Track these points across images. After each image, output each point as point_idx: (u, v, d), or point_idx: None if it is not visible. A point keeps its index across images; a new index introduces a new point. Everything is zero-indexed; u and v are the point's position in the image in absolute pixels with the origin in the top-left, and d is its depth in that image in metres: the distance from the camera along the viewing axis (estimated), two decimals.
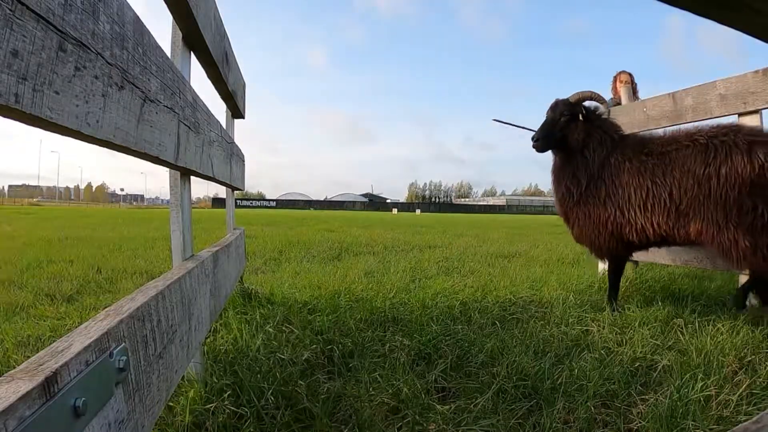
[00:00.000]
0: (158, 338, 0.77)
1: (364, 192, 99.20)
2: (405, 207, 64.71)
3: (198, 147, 1.18)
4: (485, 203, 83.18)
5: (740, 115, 2.13)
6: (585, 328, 1.90)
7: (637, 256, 2.83)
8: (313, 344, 1.57)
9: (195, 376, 1.23)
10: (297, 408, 1.14)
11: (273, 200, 67.29)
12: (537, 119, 2.33)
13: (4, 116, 0.43)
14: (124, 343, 0.62)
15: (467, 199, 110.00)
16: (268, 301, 2.19)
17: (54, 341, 0.54)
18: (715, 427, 1.10)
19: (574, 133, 2.17)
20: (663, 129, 2.30)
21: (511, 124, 2.84)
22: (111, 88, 0.60)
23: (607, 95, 4.21)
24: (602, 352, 1.60)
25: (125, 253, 4.13)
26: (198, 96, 1.19)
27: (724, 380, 1.32)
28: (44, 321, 1.89)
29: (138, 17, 0.71)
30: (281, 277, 3.05)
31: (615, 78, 4.08)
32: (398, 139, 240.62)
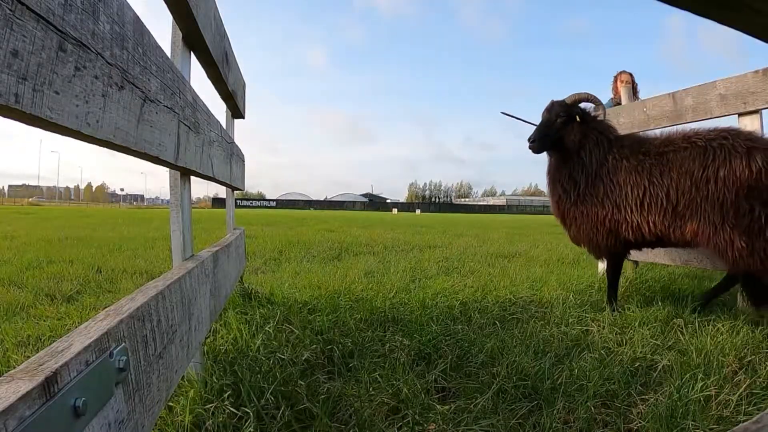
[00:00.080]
0: (158, 338, 0.77)
1: (364, 192, 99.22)
2: (405, 207, 64.72)
3: (198, 147, 1.18)
4: (485, 203, 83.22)
5: (740, 115, 2.13)
6: (585, 328, 1.90)
7: (637, 256, 2.84)
8: (313, 344, 1.57)
9: (195, 376, 1.23)
10: (297, 408, 1.14)
11: (273, 200, 67.30)
12: (537, 119, 2.33)
13: (4, 116, 0.43)
14: (124, 343, 0.62)
15: (467, 199, 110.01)
16: (268, 301, 2.19)
17: (54, 341, 0.54)
18: (715, 427, 1.10)
19: (571, 134, 2.18)
20: (659, 130, 2.31)
21: (519, 119, 2.84)
22: (111, 88, 0.60)
23: (608, 95, 4.21)
24: (602, 352, 1.60)
25: (125, 253, 4.13)
26: (198, 96, 1.19)
27: (724, 380, 1.32)
28: (44, 321, 1.89)
29: (138, 17, 0.71)
30: (281, 277, 3.05)
31: (615, 78, 4.09)
32: (398, 139, 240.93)
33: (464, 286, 2.73)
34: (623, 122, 2.85)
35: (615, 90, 4.07)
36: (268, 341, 1.59)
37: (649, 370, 1.45)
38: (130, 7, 0.68)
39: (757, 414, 0.53)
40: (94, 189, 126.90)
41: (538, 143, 2.19)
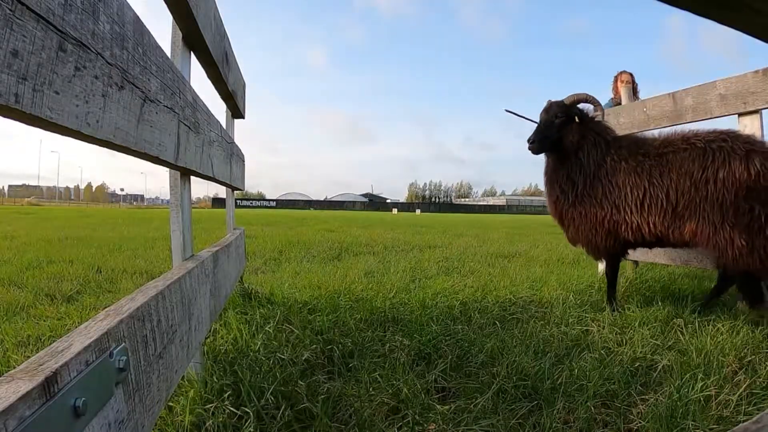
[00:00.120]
0: (158, 338, 0.77)
1: (364, 192, 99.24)
2: (405, 207, 64.70)
3: (198, 147, 1.18)
4: (485, 203, 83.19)
5: (740, 115, 2.13)
6: (585, 328, 1.90)
7: (637, 256, 2.84)
8: (313, 344, 1.57)
9: (195, 376, 1.23)
10: (297, 408, 1.14)
11: (273, 200, 67.27)
12: (537, 119, 2.33)
13: (4, 116, 0.43)
14: (124, 343, 0.62)
15: (467, 199, 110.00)
16: (268, 301, 2.19)
17: (54, 341, 0.54)
18: (715, 427, 1.10)
19: (569, 135, 2.18)
20: (657, 130, 2.32)
21: (523, 117, 2.83)
22: (111, 88, 0.60)
23: (608, 95, 4.22)
24: (602, 352, 1.60)
25: (125, 253, 4.13)
26: (198, 96, 1.19)
27: (724, 380, 1.32)
28: (44, 321, 1.89)
29: (138, 17, 0.71)
30: (281, 277, 3.05)
31: (616, 78, 4.09)
32: (398, 139, 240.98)
33: (464, 286, 2.73)
34: (623, 122, 2.85)
35: (615, 90, 4.07)
36: (268, 341, 1.59)
37: (649, 370, 1.45)
38: (130, 7, 0.68)
39: (757, 414, 0.53)
40: (94, 189, 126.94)
41: (537, 144, 2.20)
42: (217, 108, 1.73)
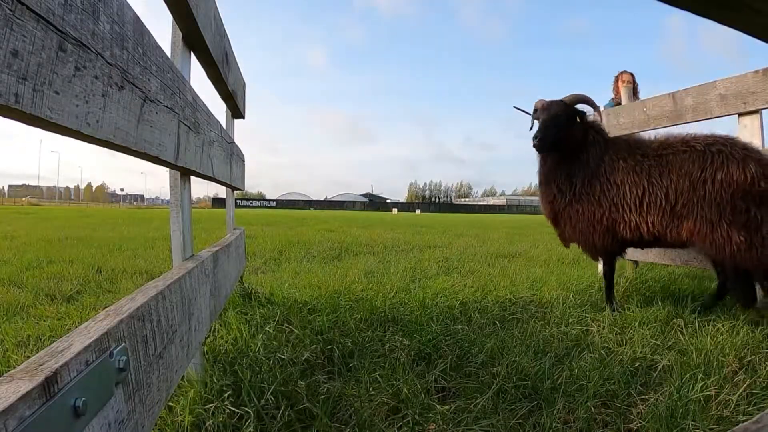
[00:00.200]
0: (158, 338, 0.77)
1: (364, 192, 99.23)
2: (405, 207, 64.70)
3: (198, 147, 1.18)
4: (485, 203, 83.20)
5: (740, 115, 2.13)
6: (585, 328, 1.90)
7: (637, 256, 2.84)
8: (313, 344, 1.57)
9: (195, 376, 1.23)
10: (297, 408, 1.14)
11: (273, 200, 67.27)
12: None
13: (4, 116, 0.43)
14: (124, 343, 0.62)
15: (467, 199, 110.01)
16: (268, 301, 2.19)
17: (54, 341, 0.54)
18: (715, 427, 1.10)
19: (573, 134, 2.18)
20: (653, 133, 2.33)
21: (531, 114, 2.83)
22: (111, 88, 0.60)
23: (608, 95, 4.22)
24: (602, 352, 1.60)
25: (125, 253, 4.13)
26: (198, 96, 1.19)
27: (724, 380, 1.32)
28: (44, 321, 1.89)
29: (138, 17, 0.71)
30: (281, 277, 3.05)
31: (617, 78, 4.09)
32: (398, 139, 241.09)
33: (464, 286, 2.73)
34: (623, 122, 2.85)
35: (616, 90, 4.07)
36: (268, 341, 1.59)
37: (649, 370, 1.45)
38: (130, 7, 0.68)
39: (757, 414, 0.53)
40: (94, 189, 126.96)
41: (544, 142, 2.16)
42: (217, 108, 1.73)
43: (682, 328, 1.81)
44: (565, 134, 2.18)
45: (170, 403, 1.11)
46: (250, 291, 2.25)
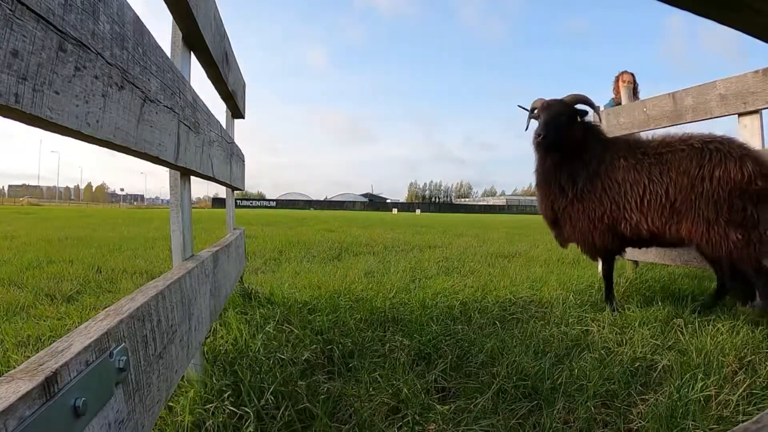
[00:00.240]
0: (158, 338, 0.77)
1: (364, 192, 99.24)
2: (405, 207, 64.68)
3: (198, 147, 1.18)
4: (485, 203, 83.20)
5: (740, 115, 2.14)
6: (585, 328, 1.90)
7: (637, 256, 2.84)
8: (313, 344, 1.57)
9: (195, 376, 1.23)
10: (297, 408, 1.14)
11: (273, 200, 67.24)
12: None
13: (4, 116, 0.43)
14: (124, 343, 0.62)
15: (467, 199, 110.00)
16: (268, 301, 2.19)
17: (54, 341, 0.54)
18: (715, 427, 1.10)
19: (575, 132, 2.19)
20: (651, 133, 2.33)
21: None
22: (111, 88, 0.60)
23: (609, 95, 4.22)
24: (602, 352, 1.60)
25: (125, 253, 4.12)
26: (198, 96, 1.19)
27: (724, 380, 1.32)
28: (44, 321, 1.89)
29: (138, 17, 0.71)
30: (281, 277, 3.05)
31: (617, 78, 4.09)
32: (398, 139, 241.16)
33: (464, 286, 2.73)
34: (623, 122, 2.85)
35: (617, 90, 4.07)
36: (268, 341, 1.59)
37: (649, 370, 1.45)
38: (130, 7, 0.68)
39: (757, 414, 0.53)
40: (94, 189, 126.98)
41: (549, 140, 2.14)
42: (217, 108, 1.73)
43: (682, 328, 1.81)
44: (566, 134, 2.18)
45: (170, 403, 1.11)
46: (250, 291, 2.25)
